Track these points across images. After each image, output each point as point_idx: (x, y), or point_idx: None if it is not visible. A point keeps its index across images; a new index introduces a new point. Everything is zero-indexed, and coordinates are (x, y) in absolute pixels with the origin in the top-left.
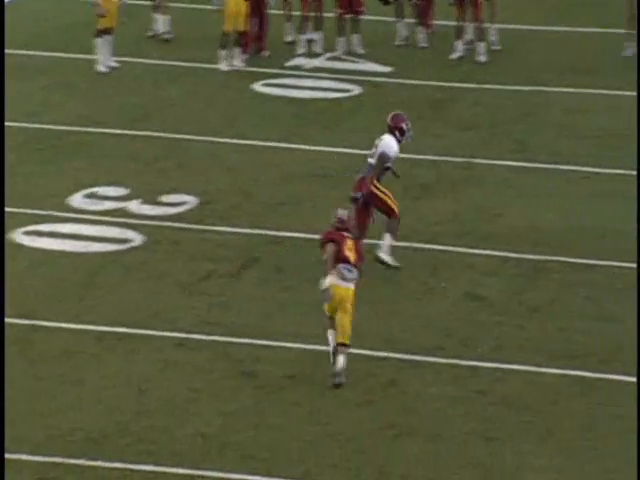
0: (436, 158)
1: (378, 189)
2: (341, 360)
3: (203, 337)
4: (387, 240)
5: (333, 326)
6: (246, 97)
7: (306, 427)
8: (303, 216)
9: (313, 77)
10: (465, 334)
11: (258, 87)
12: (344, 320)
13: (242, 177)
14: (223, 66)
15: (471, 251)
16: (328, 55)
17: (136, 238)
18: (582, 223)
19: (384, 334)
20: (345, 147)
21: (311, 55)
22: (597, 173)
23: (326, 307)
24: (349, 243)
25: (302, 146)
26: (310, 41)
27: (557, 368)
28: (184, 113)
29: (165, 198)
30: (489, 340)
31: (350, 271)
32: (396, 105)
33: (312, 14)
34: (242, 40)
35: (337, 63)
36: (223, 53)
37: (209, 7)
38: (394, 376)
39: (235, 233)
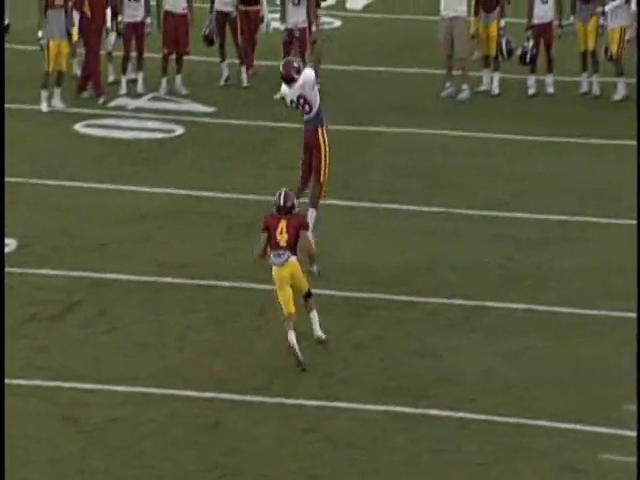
0: (260, 198)
1: (325, 145)
2: (315, 319)
3: (25, 382)
4: (310, 216)
5: (290, 325)
6: (69, 138)
7: (131, 470)
8: (127, 258)
9: (136, 117)
10: (292, 373)
11: (80, 128)
12: (301, 283)
13: (66, 219)
14: (44, 107)
15: None
16: (151, 95)
17: None
18: (407, 261)
19: (210, 375)
20: (170, 187)
21: (133, 95)
22: (420, 211)
23: (279, 293)
24: (282, 225)
25: (126, 187)
26: (132, 81)
27: (381, 404)
28: (6, 155)
29: None
30: (315, 378)
31: (279, 256)
32: (220, 145)
33: (134, 54)
34: (62, 80)
35: (160, 103)
36: (44, 94)
37: (29, 47)
38: (220, 417)
39: (57, 276)
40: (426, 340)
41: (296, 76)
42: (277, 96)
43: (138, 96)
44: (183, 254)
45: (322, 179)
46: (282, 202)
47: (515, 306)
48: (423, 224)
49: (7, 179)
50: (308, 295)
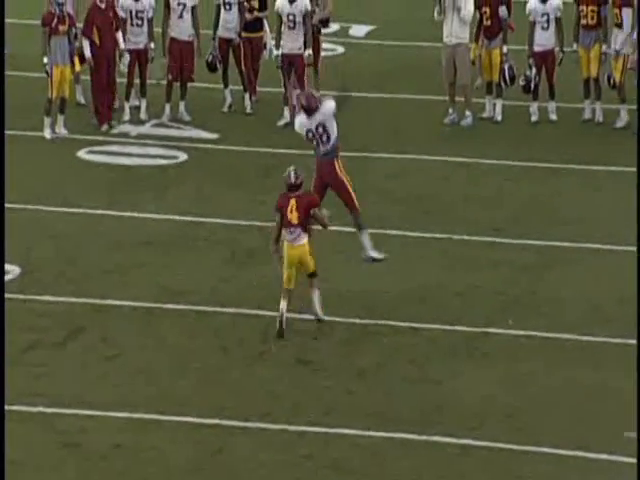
0: (262, 224)
1: (344, 175)
2: (317, 299)
3: (26, 409)
4: (365, 237)
5: (286, 296)
6: (71, 164)
7: None
8: (130, 284)
9: (139, 144)
10: (294, 399)
11: (83, 154)
12: (308, 266)
13: (67, 245)
14: (47, 133)
15: (300, 316)
16: (154, 122)
17: None
18: (407, 287)
19: (213, 401)
20: (172, 214)
21: (136, 122)
22: (419, 237)
23: (285, 269)
24: (292, 205)
25: (129, 213)
26: (135, 108)
27: (383, 431)
28: (7, 181)
29: None
30: (318, 405)
31: (291, 233)
32: (223, 171)
33: (137, 81)
34: (65, 107)
35: (163, 130)
36: (47, 120)
37: (33, 74)
38: (222, 443)
39: (59, 302)
40: (427, 366)
41: (318, 105)
42: (280, 123)
43: (141, 123)
44: (186, 280)
45: (356, 205)
46: (293, 180)
47: (516, 332)
48: (422, 250)
49: (10, 205)
50: (312, 275)
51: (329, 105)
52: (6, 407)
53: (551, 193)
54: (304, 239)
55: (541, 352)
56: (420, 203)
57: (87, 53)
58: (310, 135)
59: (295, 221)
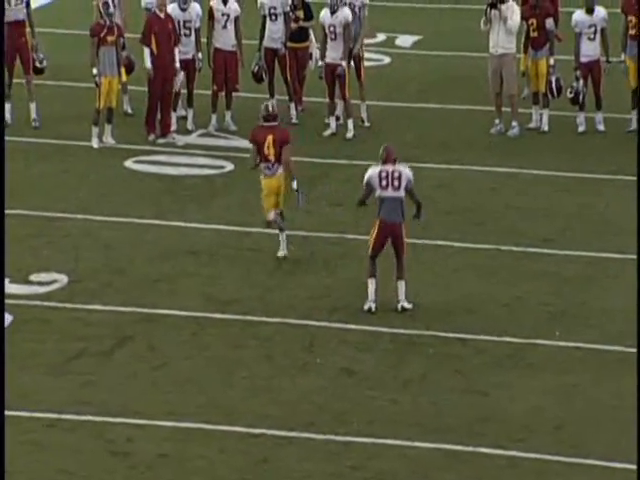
0: (308, 234)
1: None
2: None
3: (75, 417)
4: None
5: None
6: (119, 174)
7: None
8: (177, 293)
9: (185, 154)
10: (339, 409)
11: (131, 164)
12: (281, 198)
13: (115, 254)
14: (95, 143)
15: (345, 326)
16: (200, 132)
17: (5, 318)
18: (453, 297)
19: (259, 411)
20: (219, 224)
21: (183, 132)
22: (466, 248)
23: (265, 201)
24: (269, 140)
25: (175, 223)
26: (182, 118)
27: (429, 442)
28: (55, 191)
29: (35, 277)
30: (363, 415)
31: (269, 169)
32: None
33: (183, 91)
34: (112, 117)
35: (209, 139)
36: (95, 130)
37: (81, 84)
38: (268, 453)
39: (107, 311)
40: (473, 377)
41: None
42: (326, 133)
43: (188, 132)
44: (232, 290)
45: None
46: (271, 110)
47: (562, 344)
48: (469, 261)
49: (57, 214)
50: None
51: (408, 174)
52: (55, 415)
53: (598, 204)
54: (280, 170)
55: (588, 364)
56: (467, 213)
57: (148, 62)
58: (384, 174)
59: (272, 158)
